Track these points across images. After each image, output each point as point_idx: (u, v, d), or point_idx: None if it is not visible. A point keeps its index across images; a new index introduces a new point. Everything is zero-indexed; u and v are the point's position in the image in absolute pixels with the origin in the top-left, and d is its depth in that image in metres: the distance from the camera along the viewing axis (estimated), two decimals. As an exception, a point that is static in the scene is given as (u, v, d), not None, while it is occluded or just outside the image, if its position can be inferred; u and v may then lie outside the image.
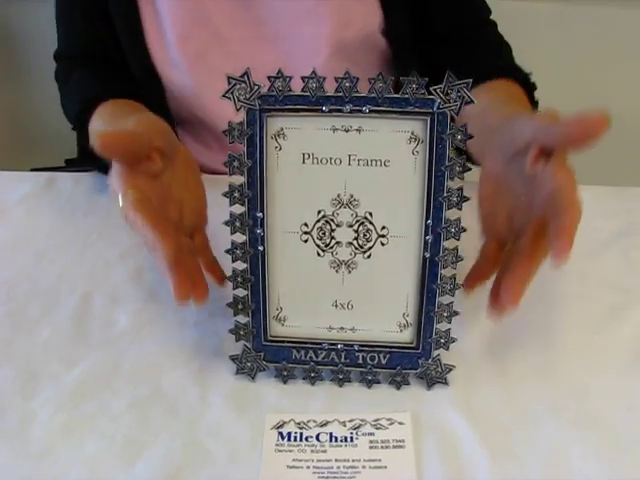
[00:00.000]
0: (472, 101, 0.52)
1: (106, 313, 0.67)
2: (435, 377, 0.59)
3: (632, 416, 0.57)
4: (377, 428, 0.55)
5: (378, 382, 0.59)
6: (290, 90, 0.53)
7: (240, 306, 0.58)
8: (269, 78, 0.52)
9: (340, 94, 0.52)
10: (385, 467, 0.53)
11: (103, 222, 0.78)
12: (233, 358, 0.60)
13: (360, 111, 0.53)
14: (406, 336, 0.59)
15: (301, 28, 0.83)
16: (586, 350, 0.63)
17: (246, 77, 0.52)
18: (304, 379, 0.60)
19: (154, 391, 0.59)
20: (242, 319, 0.59)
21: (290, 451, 0.54)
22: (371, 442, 0.54)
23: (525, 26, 1.25)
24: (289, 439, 0.55)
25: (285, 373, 0.59)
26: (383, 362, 0.59)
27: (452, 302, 0.57)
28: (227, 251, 0.57)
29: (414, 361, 0.59)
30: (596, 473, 0.52)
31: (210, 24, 0.83)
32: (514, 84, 0.84)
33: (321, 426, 0.56)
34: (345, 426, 0.56)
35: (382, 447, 0.54)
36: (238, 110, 0.53)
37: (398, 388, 0.59)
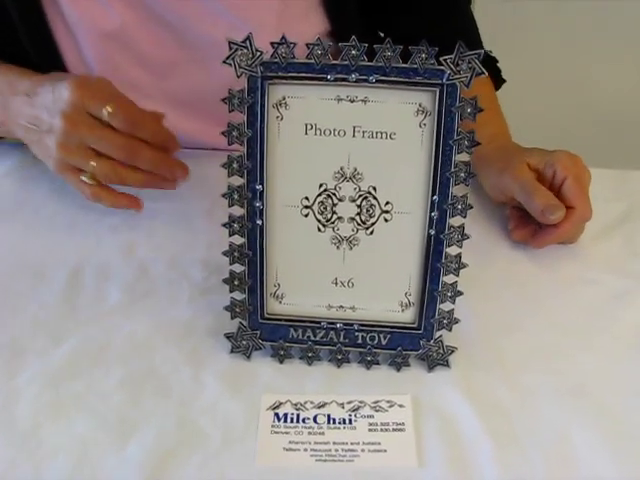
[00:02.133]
0: (483, 72, 0.50)
1: (96, 288, 0.65)
2: (437, 359, 0.57)
3: (634, 400, 0.56)
4: (377, 410, 0.54)
5: (377, 363, 0.58)
6: (294, 57, 0.50)
7: (236, 282, 0.57)
8: (272, 44, 0.50)
9: (346, 62, 0.50)
10: (385, 451, 0.51)
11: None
12: (228, 336, 0.58)
13: (366, 81, 0.50)
14: (408, 316, 0.57)
15: None
16: (589, 334, 0.62)
17: (248, 42, 0.50)
18: (301, 359, 0.58)
19: (146, 369, 0.57)
20: (238, 296, 0.57)
21: (287, 433, 0.52)
22: (370, 425, 0.53)
23: (520, 22, 1.25)
24: (285, 420, 0.53)
25: (282, 352, 0.58)
26: (383, 342, 0.57)
27: (456, 282, 0.55)
28: (224, 225, 0.55)
29: (415, 342, 0.57)
30: (598, 455, 0.51)
31: (133, 49, 0.77)
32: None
33: (319, 407, 0.54)
34: (343, 408, 0.54)
35: (382, 430, 0.53)
36: (239, 77, 0.51)
37: (398, 370, 0.57)
